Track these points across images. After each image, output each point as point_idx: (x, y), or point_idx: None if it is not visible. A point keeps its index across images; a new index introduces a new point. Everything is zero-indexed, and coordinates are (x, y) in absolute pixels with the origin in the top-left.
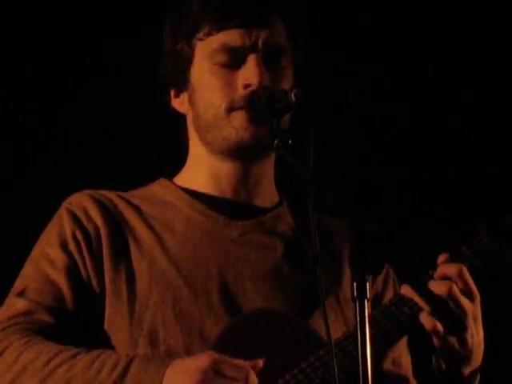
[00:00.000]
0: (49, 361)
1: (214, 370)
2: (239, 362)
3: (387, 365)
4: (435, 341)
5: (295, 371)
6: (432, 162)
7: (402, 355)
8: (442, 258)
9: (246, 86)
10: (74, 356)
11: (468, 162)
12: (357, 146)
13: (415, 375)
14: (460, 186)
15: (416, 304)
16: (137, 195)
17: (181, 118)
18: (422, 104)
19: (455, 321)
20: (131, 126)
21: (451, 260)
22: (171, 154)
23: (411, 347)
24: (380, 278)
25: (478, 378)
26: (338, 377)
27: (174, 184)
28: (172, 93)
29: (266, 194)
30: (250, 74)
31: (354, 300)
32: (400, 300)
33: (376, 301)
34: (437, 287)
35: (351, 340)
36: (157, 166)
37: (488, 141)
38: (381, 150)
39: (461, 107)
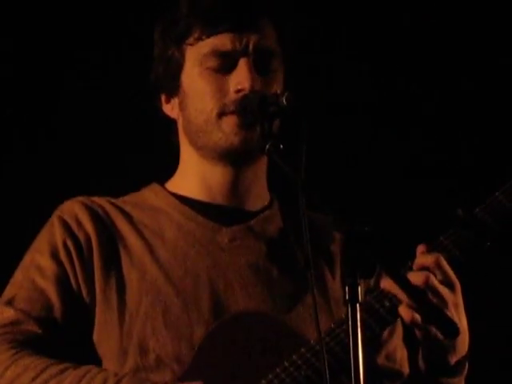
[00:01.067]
0: (36, 376)
1: None
2: None
3: (380, 360)
4: (417, 332)
5: (278, 370)
6: (411, 151)
7: (396, 349)
8: (420, 248)
9: (238, 91)
10: (61, 372)
11: (446, 149)
12: (348, 148)
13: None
14: (438, 174)
15: (395, 296)
16: (128, 201)
17: (172, 123)
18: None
19: (434, 311)
20: (126, 130)
21: (429, 250)
22: (166, 158)
23: (408, 340)
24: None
25: (467, 366)
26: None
27: (166, 189)
28: (163, 98)
29: (258, 198)
30: (241, 78)
31: (345, 304)
32: (380, 293)
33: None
34: (415, 278)
35: (342, 329)
36: (151, 169)
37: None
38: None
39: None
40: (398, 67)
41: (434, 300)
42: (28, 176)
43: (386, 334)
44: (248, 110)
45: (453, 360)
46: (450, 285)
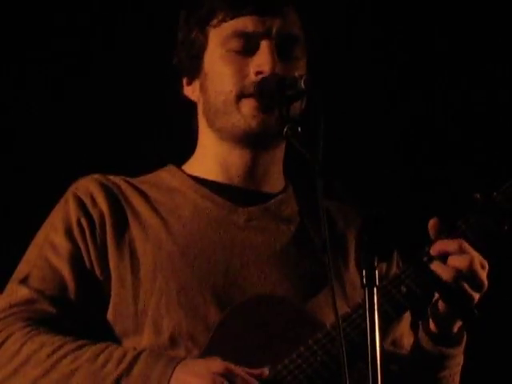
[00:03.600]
0: (53, 352)
1: (227, 379)
2: (250, 376)
3: (387, 345)
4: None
5: (294, 356)
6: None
7: (403, 335)
8: (432, 223)
9: (258, 73)
10: (79, 348)
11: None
12: (365, 135)
13: None
14: (457, 161)
15: (413, 281)
16: (144, 181)
17: (192, 106)
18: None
19: (457, 297)
20: (143, 112)
21: (443, 231)
22: (183, 141)
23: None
24: (394, 263)
25: (465, 336)
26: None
27: (182, 171)
28: (184, 81)
29: (275, 181)
30: (262, 60)
31: (363, 287)
32: (397, 278)
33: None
34: (458, 262)
35: (358, 314)
36: (168, 152)
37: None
38: (388, 139)
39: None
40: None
41: (475, 284)
42: (48, 154)
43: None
44: (266, 92)
45: (456, 328)
46: (482, 266)
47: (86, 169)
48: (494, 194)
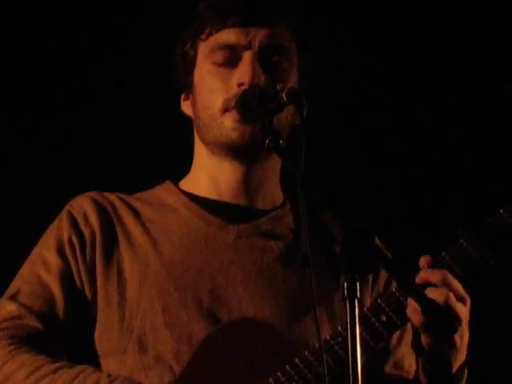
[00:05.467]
0: (31, 373)
1: None
2: None
3: (388, 368)
4: (423, 337)
5: (270, 381)
6: (419, 163)
7: (404, 357)
8: (423, 260)
9: (239, 85)
10: (56, 370)
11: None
12: (347, 146)
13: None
14: (445, 189)
15: (394, 310)
16: (139, 198)
17: (190, 122)
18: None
19: (434, 306)
20: (148, 129)
21: (431, 265)
22: (185, 157)
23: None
24: (382, 278)
25: (466, 373)
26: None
27: (178, 188)
28: (182, 96)
29: (268, 197)
30: (242, 72)
31: (344, 300)
32: (377, 306)
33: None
34: (435, 295)
35: (337, 340)
36: (171, 168)
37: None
38: (370, 150)
39: (443, 109)
40: (407, 65)
41: (450, 316)
42: (48, 172)
43: (394, 341)
44: (248, 105)
45: (455, 367)
46: (462, 300)
47: (97, 185)
48: (480, 226)
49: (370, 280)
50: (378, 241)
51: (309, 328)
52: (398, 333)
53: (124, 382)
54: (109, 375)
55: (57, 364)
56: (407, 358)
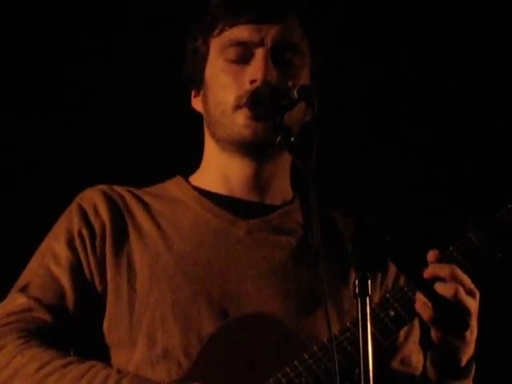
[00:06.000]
0: (41, 367)
1: None
2: None
3: (395, 364)
4: (432, 332)
5: (279, 376)
6: (429, 160)
7: (411, 353)
8: (431, 255)
9: (252, 82)
10: (65, 366)
11: (462, 161)
12: (359, 142)
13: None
14: (453, 184)
15: (402, 305)
16: (149, 192)
17: (200, 118)
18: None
19: (445, 304)
20: (163, 123)
21: (439, 260)
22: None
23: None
24: (391, 274)
25: (474, 367)
26: (330, 374)
27: (188, 182)
28: (192, 93)
29: (278, 193)
30: (255, 69)
31: (355, 297)
32: (386, 302)
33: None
34: (443, 290)
35: (346, 335)
36: (183, 163)
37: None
38: (382, 147)
39: (457, 108)
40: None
41: (460, 311)
42: (59, 166)
43: (401, 337)
44: (260, 102)
45: (464, 360)
46: (471, 294)
47: (107, 179)
48: (488, 220)
49: (379, 276)
50: (389, 237)
51: (318, 324)
52: (405, 329)
53: (134, 379)
54: (118, 371)
55: (66, 359)
56: (414, 355)
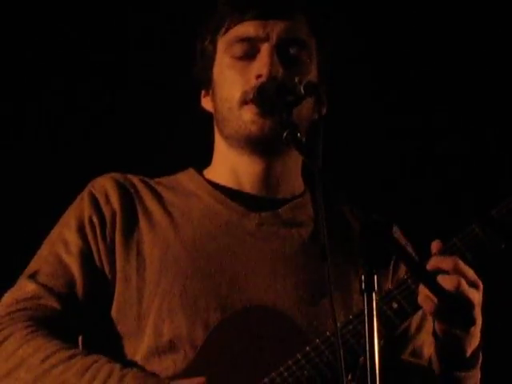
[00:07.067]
0: (46, 358)
1: None
2: None
3: (405, 355)
4: (436, 324)
5: (281, 369)
6: (431, 153)
7: (423, 345)
8: (434, 246)
9: (257, 77)
10: (70, 358)
11: (466, 154)
12: (369, 138)
13: None
14: (456, 177)
15: (405, 298)
16: (162, 182)
17: (211, 118)
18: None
19: (451, 299)
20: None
21: (442, 252)
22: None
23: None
24: (403, 267)
25: (481, 358)
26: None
27: (201, 175)
28: (202, 93)
29: (290, 187)
30: (260, 64)
31: (361, 293)
32: (388, 294)
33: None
34: (446, 282)
35: (348, 328)
36: (196, 156)
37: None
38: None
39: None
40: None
41: (463, 303)
42: (72, 154)
43: (413, 329)
44: (266, 98)
45: (469, 351)
46: (474, 285)
47: (120, 168)
48: (492, 211)
49: (391, 268)
50: (396, 231)
51: (326, 317)
52: (417, 321)
53: (136, 375)
54: (121, 368)
55: (71, 351)
56: (426, 347)
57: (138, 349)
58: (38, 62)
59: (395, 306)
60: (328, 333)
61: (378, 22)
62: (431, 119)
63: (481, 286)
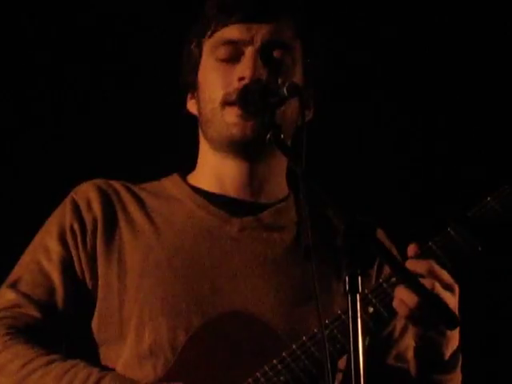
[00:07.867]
0: (25, 364)
1: None
2: None
3: (390, 360)
4: (412, 329)
5: (258, 374)
6: (410, 157)
7: (407, 349)
8: (411, 249)
9: (240, 79)
10: (49, 363)
11: (444, 158)
12: (352, 139)
13: None
14: (432, 179)
15: (381, 302)
16: (146, 188)
17: (196, 121)
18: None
19: (435, 302)
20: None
21: (418, 256)
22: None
23: None
24: (387, 268)
25: (460, 359)
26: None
27: (185, 181)
28: (188, 96)
29: (274, 191)
30: (244, 67)
31: (345, 294)
32: (365, 298)
33: None
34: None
35: (335, 324)
36: (182, 162)
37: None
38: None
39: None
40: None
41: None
42: (56, 160)
43: (397, 333)
44: (249, 100)
45: (447, 354)
46: (450, 289)
47: (104, 174)
48: (468, 214)
49: (375, 268)
50: (380, 233)
51: (309, 319)
52: (401, 325)
53: (114, 378)
54: (100, 371)
55: (50, 357)
56: (411, 351)
57: (120, 354)
58: (22, 65)
59: (371, 310)
60: (304, 337)
61: (375, 24)
62: (417, 120)
63: (456, 289)
